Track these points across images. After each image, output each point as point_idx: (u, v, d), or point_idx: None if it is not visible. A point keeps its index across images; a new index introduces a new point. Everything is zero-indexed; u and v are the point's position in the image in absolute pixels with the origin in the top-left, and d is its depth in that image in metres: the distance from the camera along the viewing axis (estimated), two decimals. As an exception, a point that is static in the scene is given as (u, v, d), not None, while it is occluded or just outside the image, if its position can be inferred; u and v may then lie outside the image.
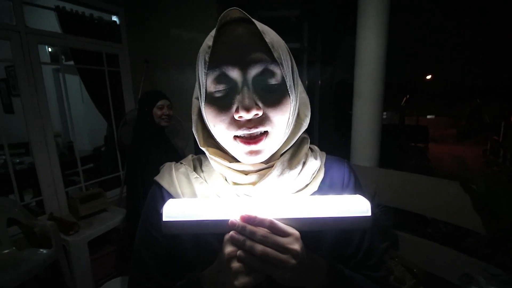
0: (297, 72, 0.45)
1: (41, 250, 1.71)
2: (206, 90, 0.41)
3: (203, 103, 0.42)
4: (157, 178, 0.50)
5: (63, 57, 3.15)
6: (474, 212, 1.32)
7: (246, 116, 0.38)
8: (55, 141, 2.38)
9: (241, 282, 0.36)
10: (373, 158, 1.93)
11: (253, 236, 0.35)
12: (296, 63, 0.46)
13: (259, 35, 0.38)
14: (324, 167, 0.50)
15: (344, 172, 0.51)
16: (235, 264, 0.35)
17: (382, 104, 1.91)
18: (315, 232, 0.38)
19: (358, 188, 0.52)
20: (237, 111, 0.38)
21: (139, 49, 2.56)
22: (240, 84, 0.39)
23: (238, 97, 0.39)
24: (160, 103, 1.62)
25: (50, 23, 2.27)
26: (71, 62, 2.40)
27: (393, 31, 1.92)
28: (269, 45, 0.38)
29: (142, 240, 0.49)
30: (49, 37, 2.04)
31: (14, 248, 1.70)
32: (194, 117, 0.47)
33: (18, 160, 2.59)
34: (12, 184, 1.92)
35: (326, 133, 3.85)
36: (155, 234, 0.47)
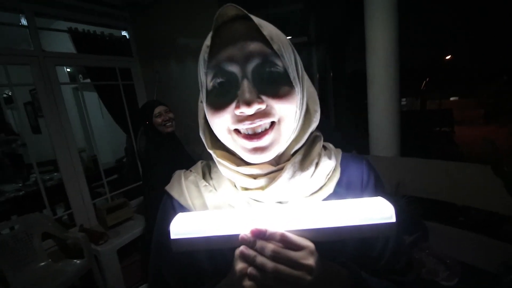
0: (302, 66, 0.42)
1: (75, 260, 1.80)
2: (206, 89, 0.40)
3: (204, 104, 0.41)
4: (167, 188, 0.50)
5: (80, 76, 3.31)
6: (509, 196, 1.23)
7: (247, 111, 0.35)
8: (80, 156, 2.50)
9: None
10: (394, 148, 1.85)
11: (263, 251, 0.32)
12: (304, 57, 0.44)
13: (257, 29, 0.37)
14: (340, 167, 0.46)
15: (363, 171, 0.47)
16: (247, 283, 0.33)
17: (399, 90, 1.83)
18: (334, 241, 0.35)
19: (379, 188, 0.47)
20: (237, 106, 0.36)
21: (150, 61, 2.63)
22: (239, 79, 0.37)
23: (238, 92, 0.37)
24: (156, 111, 1.61)
25: (65, 44, 2.38)
26: (88, 80, 2.51)
27: (404, 12, 1.83)
28: (268, 37, 0.37)
29: (156, 252, 0.49)
30: (65, 58, 2.14)
31: (50, 260, 1.80)
32: (200, 120, 0.45)
33: (48, 177, 2.74)
34: (45, 200, 2.04)
35: (343, 127, 3.76)
36: (169, 245, 0.47)
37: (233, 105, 0.37)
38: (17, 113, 4.01)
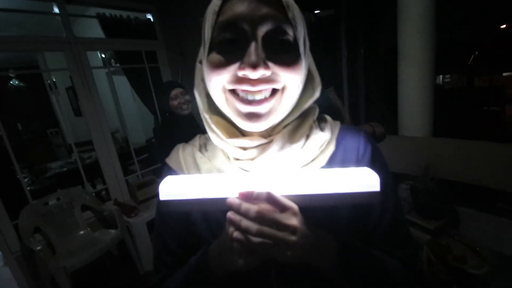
0: (308, 39, 0.41)
1: (110, 230, 1.98)
2: (210, 45, 0.38)
3: (205, 59, 0.39)
4: (167, 160, 0.52)
5: (112, 60, 3.47)
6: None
7: (251, 75, 0.34)
8: (114, 137, 2.69)
9: (244, 262, 0.35)
10: (425, 127, 1.71)
11: (248, 214, 0.33)
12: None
13: None
14: (337, 140, 0.45)
15: (360, 143, 0.45)
16: (236, 245, 0.34)
17: (434, 64, 1.66)
18: (326, 207, 0.35)
19: (376, 161, 0.45)
20: (242, 68, 0.34)
21: (174, 43, 2.67)
22: (249, 39, 0.35)
23: (244, 52, 0.35)
24: (173, 93, 1.57)
25: (95, 30, 2.50)
26: (118, 65, 2.63)
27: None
28: (284, 3, 0.35)
29: (159, 218, 0.51)
30: (94, 43, 2.25)
31: (89, 229, 2.00)
32: (197, 80, 0.44)
33: (87, 155, 3.00)
34: (83, 176, 2.25)
35: (374, 107, 3.54)
36: (170, 214, 0.49)
37: (236, 65, 0.35)
38: (60, 98, 4.36)
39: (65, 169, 2.91)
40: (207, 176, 0.39)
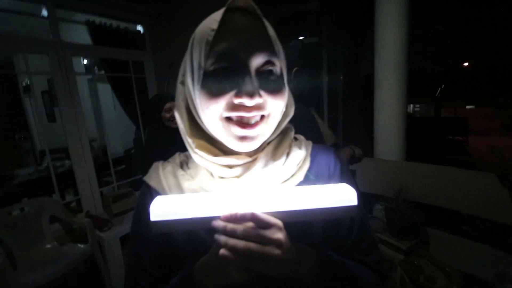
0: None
1: (79, 245, 1.86)
2: (204, 73, 0.39)
3: (197, 85, 0.40)
4: (145, 178, 0.50)
5: (96, 67, 3.41)
6: (514, 206, 1.20)
7: (248, 102, 0.37)
8: (91, 145, 2.58)
9: (233, 278, 0.37)
10: (398, 151, 1.83)
11: (234, 234, 0.34)
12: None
13: (263, 27, 0.39)
14: (310, 157, 0.49)
15: (330, 161, 0.51)
16: (225, 262, 0.36)
17: (406, 93, 1.81)
18: (303, 222, 0.37)
19: (345, 176, 0.51)
20: (239, 95, 0.38)
21: (163, 55, 2.68)
22: (243, 69, 0.38)
23: (240, 82, 0.38)
24: (167, 105, 1.58)
25: (82, 36, 2.46)
26: (102, 72, 2.59)
27: (421, 16, 1.81)
28: (272, 38, 0.39)
29: (135, 237, 0.50)
30: (81, 49, 2.22)
31: (55, 243, 1.87)
32: (178, 101, 0.46)
33: (59, 164, 2.84)
34: (54, 185, 2.12)
35: (352, 131, 3.72)
36: (147, 231, 0.46)
37: (232, 93, 0.38)
38: (34, 101, 4.15)
39: (34, 177, 2.73)
40: (195, 196, 0.40)
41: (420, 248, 1.56)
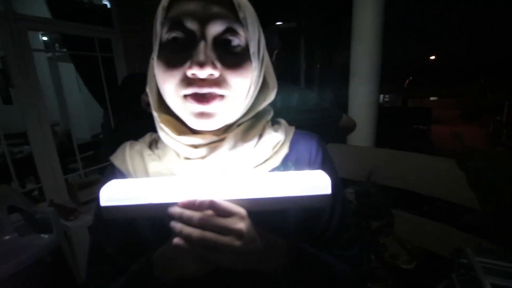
0: (264, 43, 0.41)
1: (43, 235, 1.75)
2: (160, 42, 0.37)
3: (155, 56, 0.38)
4: (111, 157, 0.47)
5: (57, 45, 3.12)
6: (470, 189, 1.31)
7: (199, 73, 0.34)
8: (54, 130, 2.39)
9: (190, 270, 0.35)
10: (369, 138, 1.91)
11: (191, 221, 0.32)
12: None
13: None
14: (291, 143, 0.46)
15: (311, 147, 0.48)
16: (179, 251, 0.33)
17: (379, 84, 1.88)
18: (276, 211, 0.35)
19: (326, 164, 0.48)
20: (190, 67, 0.34)
21: (133, 33, 2.51)
22: (198, 38, 0.35)
23: (193, 52, 0.35)
24: (147, 88, 1.53)
25: (40, 9, 2.22)
26: (64, 50, 2.37)
27: (391, 8, 1.85)
28: (235, 3, 0.35)
29: (96, 222, 0.48)
30: (38, 23, 2.00)
31: (16, 234, 1.74)
32: (149, 77, 0.43)
33: (17, 150, 2.62)
34: (12, 173, 1.95)
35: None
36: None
37: (186, 65, 0.35)
38: (-15, 81, 3.73)
39: (-13, 164, 2.49)
40: (153, 180, 0.37)
41: (386, 228, 1.66)
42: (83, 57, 2.32)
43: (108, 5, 2.44)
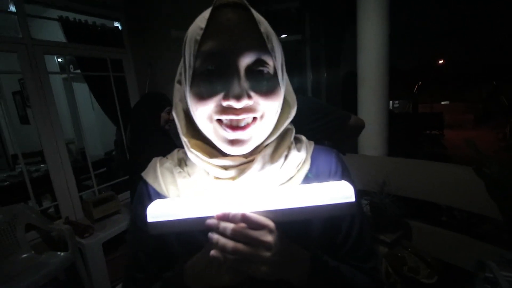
0: (285, 65, 0.44)
1: (59, 253, 1.77)
2: (193, 72, 0.39)
3: (188, 86, 0.40)
4: (143, 174, 0.50)
5: (71, 66, 3.25)
6: (489, 197, 1.26)
7: (235, 105, 0.36)
8: (69, 148, 2.46)
9: (222, 280, 0.37)
10: (381, 147, 1.88)
11: (225, 232, 0.34)
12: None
13: (254, 23, 0.37)
14: (311, 158, 0.48)
15: (331, 163, 0.50)
16: (215, 262, 0.35)
17: (388, 90, 1.86)
18: (300, 222, 0.36)
19: (346, 177, 0.50)
20: (226, 98, 0.36)
21: (142, 53, 2.60)
22: (231, 70, 0.37)
23: (227, 84, 0.37)
24: (167, 108, 1.58)
25: (55, 34, 2.33)
26: (78, 71, 2.47)
27: (397, 14, 1.86)
28: (264, 35, 0.37)
29: (132, 234, 0.51)
30: (54, 47, 2.10)
31: (33, 252, 1.77)
32: (176, 102, 0.45)
33: (34, 168, 2.69)
34: (29, 191, 2.00)
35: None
36: (143, 228, 0.47)
37: (221, 95, 0.37)
38: (4, 102, 3.90)
39: (6, 183, 2.57)
40: (191, 198, 0.40)
41: (403, 240, 1.61)
42: (96, 77, 2.40)
43: (120, 27, 2.54)
